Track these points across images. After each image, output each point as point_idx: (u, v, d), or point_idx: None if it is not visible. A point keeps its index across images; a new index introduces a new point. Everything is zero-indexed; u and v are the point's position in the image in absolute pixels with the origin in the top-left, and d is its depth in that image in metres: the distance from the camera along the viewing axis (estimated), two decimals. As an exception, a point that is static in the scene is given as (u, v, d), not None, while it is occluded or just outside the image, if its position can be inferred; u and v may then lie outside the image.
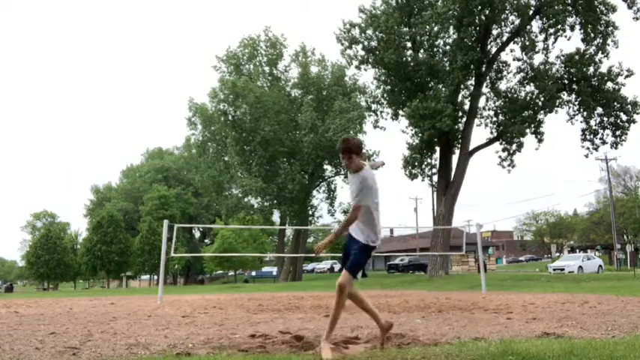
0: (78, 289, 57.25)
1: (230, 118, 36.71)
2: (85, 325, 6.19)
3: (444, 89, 24.14)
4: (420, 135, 24.64)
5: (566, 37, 24.43)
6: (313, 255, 4.78)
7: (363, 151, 4.35)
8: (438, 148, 26.17)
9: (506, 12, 23.89)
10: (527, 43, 23.85)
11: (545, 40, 24.51)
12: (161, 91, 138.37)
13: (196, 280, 62.21)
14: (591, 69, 24.24)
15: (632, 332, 4.90)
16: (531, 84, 24.96)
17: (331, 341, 4.54)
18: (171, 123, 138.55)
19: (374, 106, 28.77)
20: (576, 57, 24.12)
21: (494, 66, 25.90)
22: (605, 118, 24.70)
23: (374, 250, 4.31)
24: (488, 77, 25.81)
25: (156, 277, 50.69)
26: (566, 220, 67.94)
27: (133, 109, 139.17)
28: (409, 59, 25.34)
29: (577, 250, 49.75)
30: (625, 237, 52.40)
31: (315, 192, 40.93)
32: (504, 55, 26.69)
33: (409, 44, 25.71)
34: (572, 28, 24.11)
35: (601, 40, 23.66)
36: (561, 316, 6.48)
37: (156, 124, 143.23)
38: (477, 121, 26.08)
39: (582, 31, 23.79)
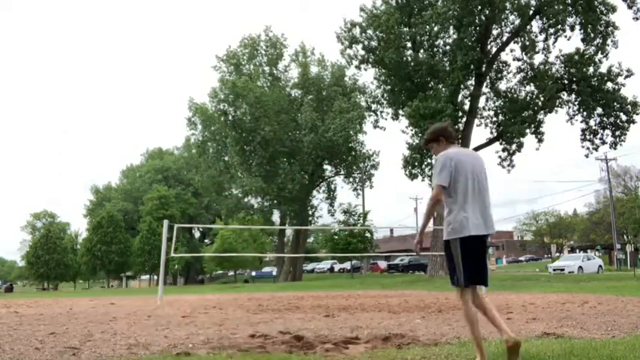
0: (78, 289, 57.27)
1: (230, 118, 36.73)
2: (85, 325, 6.19)
3: (444, 89, 24.15)
4: (420, 135, 24.64)
5: (566, 37, 24.47)
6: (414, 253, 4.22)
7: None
8: (438, 148, 26.17)
9: (507, 12, 23.91)
10: (527, 43, 23.87)
11: (545, 40, 24.53)
12: (161, 91, 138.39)
13: (196, 280, 62.20)
14: (591, 69, 24.26)
15: (632, 332, 4.90)
16: (531, 84, 24.98)
17: (331, 341, 4.54)
18: (171, 123, 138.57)
19: (374, 106, 28.79)
20: (576, 57, 24.13)
21: (494, 66, 25.91)
22: (605, 119, 24.71)
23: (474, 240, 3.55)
24: (488, 77, 25.82)
25: (156, 277, 50.70)
26: (566, 220, 67.90)
27: (133, 109, 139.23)
28: (409, 59, 25.35)
29: (577, 250, 49.71)
30: (625, 237, 52.37)
31: (315, 192, 40.94)
32: (504, 55, 26.75)
33: (409, 44, 25.72)
34: (572, 28, 24.13)
35: (601, 40, 23.67)
36: (561, 316, 6.48)
37: (156, 124, 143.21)
38: (477, 121, 26.10)
39: (582, 31, 23.81)
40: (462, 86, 24.89)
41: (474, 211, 3.59)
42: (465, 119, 25.61)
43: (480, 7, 23.37)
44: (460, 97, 25.62)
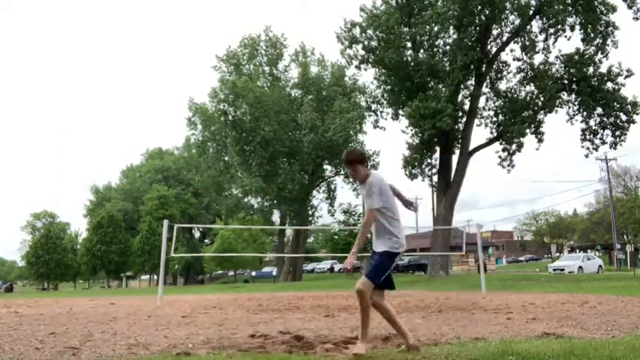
0: (78, 289, 57.27)
1: (230, 118, 36.72)
2: (85, 325, 6.19)
3: (444, 89, 24.14)
4: (420, 135, 24.63)
5: (566, 37, 24.46)
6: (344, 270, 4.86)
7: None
8: (438, 148, 26.17)
9: (507, 12, 23.90)
10: (527, 43, 23.85)
11: (545, 40, 24.53)
12: (161, 91, 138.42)
13: (196, 280, 62.21)
14: (591, 69, 24.25)
15: (632, 332, 4.90)
16: (531, 84, 24.96)
17: (331, 341, 4.54)
18: (171, 123, 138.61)
19: (374, 106, 28.78)
20: (576, 57, 24.13)
21: (494, 66, 25.90)
22: (605, 119, 24.70)
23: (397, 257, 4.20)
24: (488, 77, 25.81)
25: (156, 277, 50.69)
26: (566, 220, 67.90)
27: (133, 109, 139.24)
28: (409, 59, 25.34)
29: (577, 250, 49.67)
30: (625, 237, 52.39)
31: (315, 192, 40.95)
32: (504, 55, 26.72)
33: (409, 44, 25.72)
34: (572, 28, 24.12)
35: (601, 41, 23.67)
36: (561, 316, 6.48)
37: (156, 124, 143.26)
38: (476, 121, 26.08)
39: (582, 31, 23.80)
40: (462, 86, 24.88)
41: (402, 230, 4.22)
42: (465, 119, 25.60)
43: (480, 7, 23.36)
44: (460, 97, 25.61)
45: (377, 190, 4.07)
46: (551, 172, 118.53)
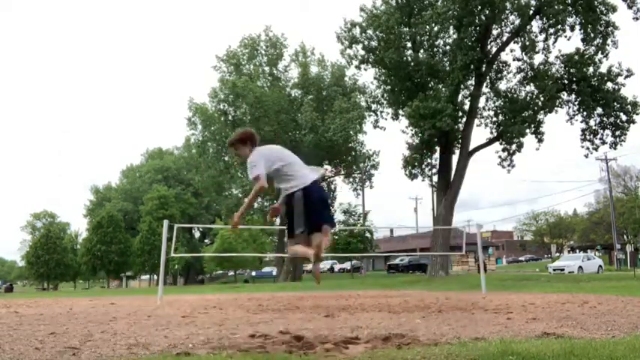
0: (78, 289, 57.28)
1: (230, 118, 36.76)
2: (85, 325, 6.18)
3: (444, 89, 24.15)
4: (420, 135, 24.64)
5: (566, 37, 24.47)
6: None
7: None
8: (438, 148, 26.18)
9: (507, 12, 23.91)
10: (528, 43, 23.86)
11: (545, 40, 24.54)
12: (161, 91, 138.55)
13: (196, 280, 62.22)
14: (591, 69, 24.25)
15: (632, 332, 4.90)
16: (531, 84, 24.97)
17: (331, 341, 4.54)
18: (171, 123, 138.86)
19: (374, 106, 28.79)
20: (576, 57, 24.13)
21: (494, 66, 25.90)
22: (605, 119, 24.71)
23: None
24: (488, 77, 25.82)
25: (156, 277, 50.68)
26: (566, 220, 67.95)
27: (133, 109, 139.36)
28: (409, 59, 25.35)
29: (577, 250, 49.65)
30: (625, 237, 52.42)
31: (314, 192, 40.96)
32: (504, 55, 26.75)
33: (409, 44, 25.73)
34: (572, 28, 24.12)
35: (601, 41, 23.68)
36: (561, 316, 6.47)
37: (156, 124, 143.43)
38: (477, 121, 26.10)
39: (582, 31, 23.80)
40: (462, 86, 24.88)
41: None
42: (465, 119, 25.61)
43: (480, 7, 23.37)
44: (460, 97, 25.62)
45: (257, 160, 4.68)
46: (551, 172, 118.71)
